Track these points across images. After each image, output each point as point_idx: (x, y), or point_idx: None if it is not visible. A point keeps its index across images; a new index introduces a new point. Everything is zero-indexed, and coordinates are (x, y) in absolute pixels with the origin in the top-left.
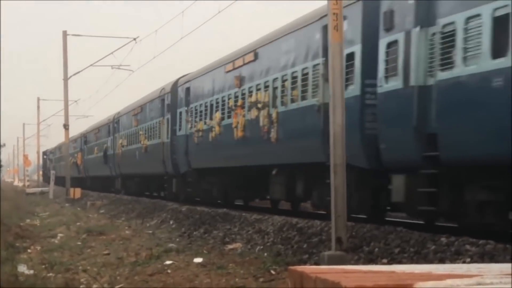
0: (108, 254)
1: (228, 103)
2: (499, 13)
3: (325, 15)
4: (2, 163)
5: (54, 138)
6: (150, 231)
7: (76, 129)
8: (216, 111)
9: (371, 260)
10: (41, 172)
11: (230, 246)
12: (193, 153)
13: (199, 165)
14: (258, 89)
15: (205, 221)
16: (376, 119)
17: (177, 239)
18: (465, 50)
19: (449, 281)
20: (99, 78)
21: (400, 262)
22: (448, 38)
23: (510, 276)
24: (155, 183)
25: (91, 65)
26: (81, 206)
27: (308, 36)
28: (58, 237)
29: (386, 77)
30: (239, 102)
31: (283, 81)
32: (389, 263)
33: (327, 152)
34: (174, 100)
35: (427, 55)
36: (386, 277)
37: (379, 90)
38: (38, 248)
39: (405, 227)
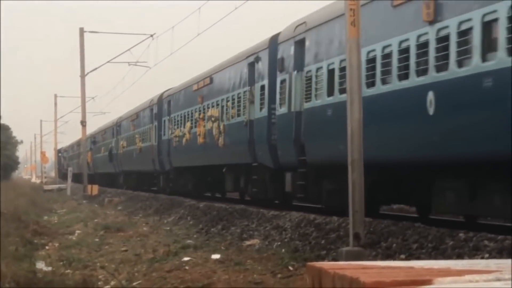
0: (126, 250)
1: (194, 115)
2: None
3: (251, 55)
4: (19, 160)
5: (71, 134)
6: (168, 228)
7: (93, 126)
8: (187, 121)
9: (389, 255)
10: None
11: (247, 242)
12: (173, 154)
13: (177, 164)
14: (212, 106)
15: (223, 217)
16: (276, 133)
17: (195, 236)
18: (316, 89)
19: (468, 277)
20: (116, 75)
21: (418, 258)
22: (308, 81)
23: None
24: (148, 178)
25: (108, 61)
26: (99, 203)
27: (240, 70)
28: (76, 234)
29: (280, 104)
30: (201, 115)
31: (227, 101)
32: (407, 258)
33: (252, 155)
34: (160, 110)
35: (301, 91)
36: (404, 273)
37: (277, 113)
38: (56, 245)
39: (423, 222)
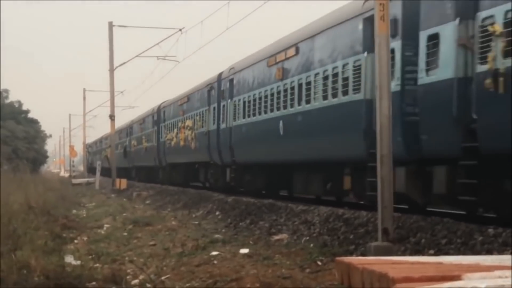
0: (154, 245)
1: (179, 124)
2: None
3: (209, 84)
4: (48, 154)
5: (100, 128)
6: (196, 222)
7: (122, 120)
8: (175, 128)
9: (418, 251)
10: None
11: (276, 237)
12: (167, 153)
13: (169, 160)
14: (189, 118)
15: (251, 211)
16: (221, 141)
17: (223, 230)
18: (237, 113)
19: (497, 272)
20: (145, 69)
21: (447, 253)
22: (235, 107)
23: None
24: (153, 172)
25: (136, 56)
26: (127, 197)
27: (203, 94)
28: (105, 228)
29: (222, 121)
30: (182, 124)
31: (196, 116)
32: (436, 254)
33: (209, 156)
34: (158, 117)
35: (231, 113)
36: (433, 268)
37: (221, 127)
38: (85, 238)
39: (451, 218)
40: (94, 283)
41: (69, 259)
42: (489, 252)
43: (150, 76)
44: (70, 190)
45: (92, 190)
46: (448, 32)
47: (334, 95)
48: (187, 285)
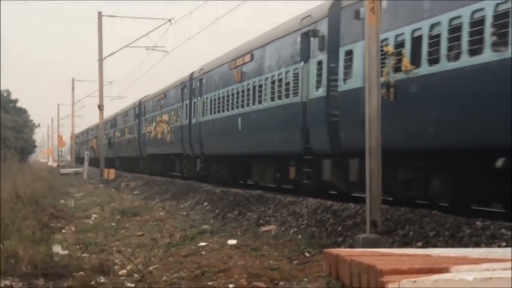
0: (142, 235)
1: (157, 118)
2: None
3: (182, 83)
4: (36, 144)
5: (88, 118)
6: (184, 213)
7: (111, 110)
8: (154, 122)
9: (406, 243)
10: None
11: (264, 228)
12: (147, 144)
13: (149, 152)
14: (165, 113)
15: (239, 203)
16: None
17: (211, 221)
18: (205, 110)
19: (485, 265)
20: (134, 59)
21: (435, 246)
22: (203, 104)
23: None
24: (135, 162)
25: (126, 46)
26: (115, 187)
27: (177, 91)
28: (93, 218)
29: (193, 117)
30: (160, 119)
31: (171, 111)
32: (424, 246)
33: (182, 148)
34: (139, 111)
35: (200, 110)
36: (422, 261)
37: (192, 122)
38: (73, 228)
39: (440, 210)
40: (81, 272)
41: (57, 248)
42: (477, 244)
43: (139, 66)
44: (58, 180)
45: (80, 180)
46: (359, 49)
47: (279, 97)
48: (175, 275)
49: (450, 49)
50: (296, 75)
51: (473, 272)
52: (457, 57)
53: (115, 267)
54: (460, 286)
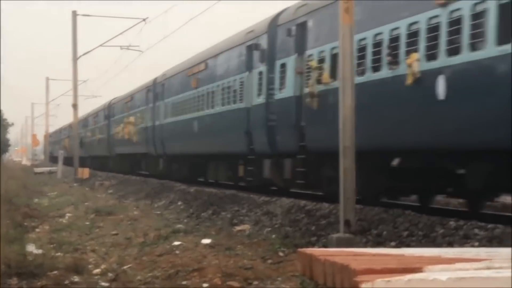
0: (117, 234)
1: (124, 120)
2: (172, 102)
3: (147, 87)
4: (10, 143)
5: (63, 117)
6: (159, 212)
7: (85, 109)
8: (121, 123)
9: (380, 243)
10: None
11: (238, 228)
12: (115, 144)
13: (118, 151)
14: (131, 115)
15: (213, 202)
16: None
17: (185, 220)
18: (167, 113)
19: (458, 265)
20: (109, 58)
21: (408, 246)
22: (165, 108)
23: None
24: (104, 161)
25: (100, 45)
26: (90, 186)
27: (143, 94)
28: (67, 217)
29: (157, 119)
30: (127, 120)
31: (137, 113)
32: (397, 246)
33: (147, 148)
34: (109, 112)
35: (163, 112)
36: (395, 261)
37: (155, 124)
38: (47, 227)
39: (413, 210)
40: (55, 272)
41: (31, 248)
42: (450, 244)
43: (113, 65)
44: (32, 179)
45: (55, 179)
46: (291, 63)
47: (228, 103)
48: (149, 274)
49: (358, 65)
50: (242, 83)
51: (446, 272)
52: (363, 73)
53: (89, 266)
54: (434, 286)
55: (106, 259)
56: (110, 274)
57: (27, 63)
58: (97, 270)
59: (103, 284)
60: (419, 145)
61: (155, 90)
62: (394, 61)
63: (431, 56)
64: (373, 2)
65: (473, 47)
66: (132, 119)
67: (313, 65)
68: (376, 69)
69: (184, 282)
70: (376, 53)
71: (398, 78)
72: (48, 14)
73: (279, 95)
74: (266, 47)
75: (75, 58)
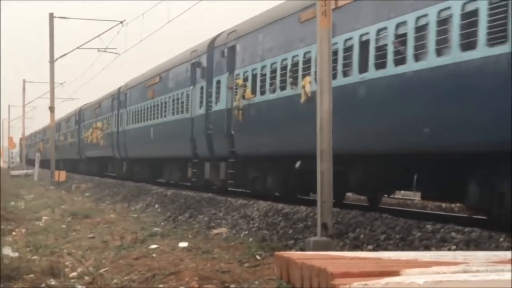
0: (93, 237)
1: (93, 125)
2: (132, 110)
3: (113, 95)
4: None
5: (39, 120)
6: (135, 215)
7: (62, 112)
8: (90, 128)
9: (357, 246)
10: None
11: (215, 231)
12: (85, 148)
13: (88, 154)
14: (99, 121)
15: (190, 205)
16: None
17: (162, 223)
18: (128, 120)
19: (435, 268)
20: (86, 61)
21: (385, 249)
22: (127, 115)
23: (496, 263)
24: (75, 164)
25: (77, 47)
26: (66, 189)
27: (109, 102)
28: (43, 220)
29: (120, 125)
30: (96, 125)
31: (103, 119)
32: (374, 249)
33: (113, 152)
34: (79, 118)
35: (126, 119)
36: (372, 264)
37: (119, 129)
38: (23, 230)
39: (390, 214)
40: (32, 275)
41: (7, 251)
42: (427, 248)
43: (90, 68)
44: (9, 181)
45: (31, 182)
46: (224, 80)
47: (177, 113)
48: (126, 278)
49: (271, 84)
50: (187, 96)
51: (423, 275)
52: (274, 91)
53: (66, 269)
54: None
55: (83, 262)
56: (86, 278)
57: (4, 65)
58: (73, 274)
59: (80, 287)
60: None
61: (119, 99)
62: (295, 82)
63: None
64: (285, 36)
65: (345, 74)
66: (99, 124)
67: (239, 83)
68: (283, 88)
69: (161, 286)
70: (283, 75)
71: (297, 96)
72: (24, 16)
73: (215, 107)
74: (205, 65)
75: (52, 61)
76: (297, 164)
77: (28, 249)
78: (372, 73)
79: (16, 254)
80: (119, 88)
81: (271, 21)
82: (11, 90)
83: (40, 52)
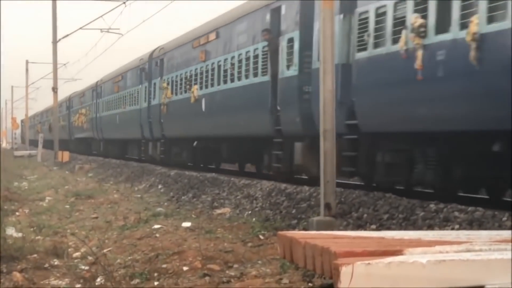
0: (97, 217)
1: (79, 111)
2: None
3: (93, 87)
4: None
5: (43, 101)
6: (139, 195)
7: (65, 92)
8: (76, 114)
9: (360, 226)
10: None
11: (218, 211)
12: (73, 131)
13: (75, 136)
14: (84, 108)
15: (194, 185)
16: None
17: (166, 204)
18: (102, 108)
19: (438, 248)
20: (89, 41)
21: (388, 228)
22: (102, 104)
23: (499, 243)
24: (67, 143)
25: (80, 28)
26: (69, 170)
27: (89, 92)
28: (47, 200)
29: (97, 112)
30: (80, 112)
31: (87, 107)
32: (377, 229)
33: (94, 134)
34: (69, 104)
35: (101, 107)
36: (375, 243)
37: (97, 115)
38: (26, 211)
39: (394, 193)
40: (35, 255)
41: (11, 231)
42: (430, 227)
43: (93, 48)
44: (12, 162)
45: (34, 162)
46: (157, 83)
47: (131, 105)
48: (129, 258)
49: (180, 88)
50: (137, 92)
51: (426, 255)
52: (181, 93)
53: (69, 249)
54: (414, 269)
55: (86, 242)
56: (90, 258)
57: (7, 46)
58: (77, 254)
59: (83, 267)
60: (204, 135)
61: (97, 90)
62: (189, 88)
63: (201, 87)
64: (186, 56)
65: (212, 85)
66: (84, 111)
67: (164, 86)
68: (185, 91)
69: (164, 265)
70: (185, 82)
71: (188, 98)
72: None
73: (153, 102)
74: (147, 71)
75: (55, 41)
76: (195, 143)
77: (32, 229)
78: None
79: (20, 234)
80: (97, 82)
81: (179, 44)
82: (15, 71)
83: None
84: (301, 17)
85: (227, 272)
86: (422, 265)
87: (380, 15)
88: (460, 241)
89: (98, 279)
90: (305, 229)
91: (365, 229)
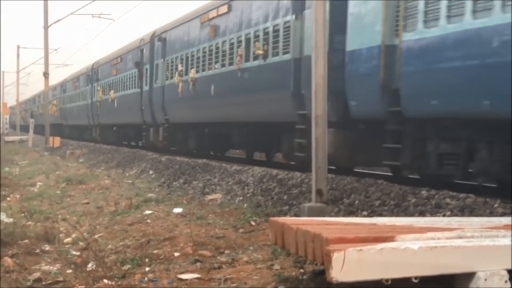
0: (88, 203)
1: (73, 96)
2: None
3: (84, 73)
4: None
5: (34, 86)
6: (130, 181)
7: (56, 78)
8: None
9: (351, 212)
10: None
11: (209, 197)
12: (66, 116)
13: (68, 122)
14: (81, 93)
15: (185, 171)
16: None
17: (157, 189)
18: (94, 94)
19: (430, 234)
20: (80, 27)
21: (380, 215)
22: (97, 90)
23: (490, 229)
24: (58, 128)
25: (71, 13)
26: (60, 155)
27: (84, 77)
28: (38, 186)
29: (93, 97)
30: (78, 96)
31: (82, 93)
32: (369, 215)
33: (88, 120)
34: (60, 90)
35: (96, 92)
36: (367, 230)
37: (93, 101)
38: (18, 196)
39: (385, 180)
40: (26, 240)
41: (2, 216)
42: (421, 214)
43: (85, 34)
44: (3, 147)
45: (25, 147)
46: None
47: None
48: (120, 243)
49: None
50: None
51: (418, 241)
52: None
53: (60, 235)
54: (405, 255)
55: (77, 228)
56: (81, 243)
57: None
58: (68, 239)
59: (74, 253)
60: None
61: (92, 75)
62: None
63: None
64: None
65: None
66: (81, 95)
67: (99, 89)
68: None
69: (155, 251)
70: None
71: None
72: None
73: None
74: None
75: (46, 26)
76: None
77: (23, 214)
78: None
79: (11, 220)
80: (92, 65)
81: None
82: (5, 56)
83: (34, 18)
84: None
85: (218, 258)
86: (413, 251)
87: None
88: (451, 227)
89: (89, 265)
90: (296, 215)
91: (357, 216)
